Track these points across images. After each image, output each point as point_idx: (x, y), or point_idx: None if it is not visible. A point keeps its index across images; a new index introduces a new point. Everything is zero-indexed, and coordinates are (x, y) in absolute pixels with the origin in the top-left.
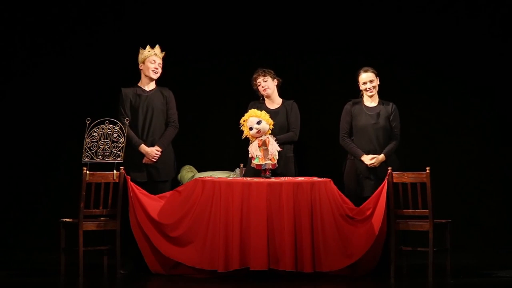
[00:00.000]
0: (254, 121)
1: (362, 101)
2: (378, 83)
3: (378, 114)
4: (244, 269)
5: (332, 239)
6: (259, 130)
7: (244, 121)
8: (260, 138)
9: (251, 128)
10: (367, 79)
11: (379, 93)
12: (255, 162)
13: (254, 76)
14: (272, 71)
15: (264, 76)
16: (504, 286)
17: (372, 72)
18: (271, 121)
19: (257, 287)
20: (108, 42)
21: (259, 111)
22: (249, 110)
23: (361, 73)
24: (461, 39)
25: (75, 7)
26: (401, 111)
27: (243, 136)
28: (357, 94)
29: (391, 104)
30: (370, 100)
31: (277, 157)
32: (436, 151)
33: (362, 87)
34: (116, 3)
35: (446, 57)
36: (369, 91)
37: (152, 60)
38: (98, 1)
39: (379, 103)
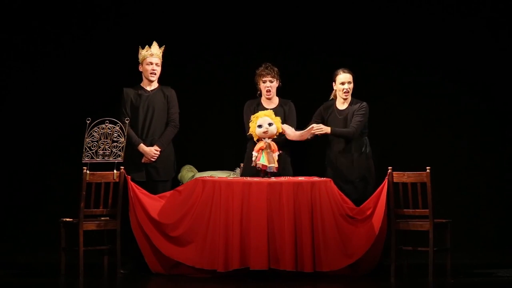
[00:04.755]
0: (267, 121)
1: (334, 104)
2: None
3: (346, 118)
4: (244, 269)
5: (332, 238)
6: (267, 131)
7: (255, 117)
8: (265, 141)
9: (260, 126)
10: (346, 79)
11: (361, 93)
12: (261, 162)
13: (263, 72)
14: (278, 71)
15: (273, 77)
16: (504, 286)
17: (351, 74)
18: (281, 129)
19: (257, 287)
20: (109, 41)
21: (273, 114)
22: (265, 111)
23: (340, 73)
24: (461, 39)
25: (75, 6)
26: (401, 111)
27: (248, 133)
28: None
29: (359, 103)
30: (343, 102)
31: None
32: (436, 151)
33: (339, 87)
34: (117, 2)
35: (446, 58)
36: (346, 93)
37: (148, 62)
38: (98, 0)
39: (349, 104)
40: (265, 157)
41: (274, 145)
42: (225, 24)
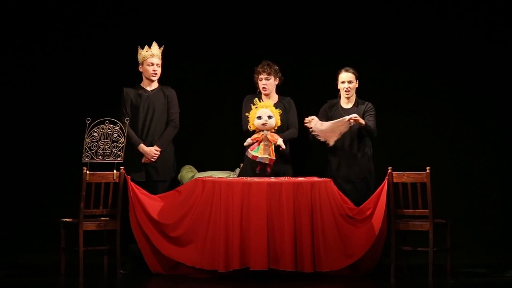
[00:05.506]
0: (267, 113)
1: (338, 102)
2: (357, 85)
3: None
4: (244, 269)
5: (332, 239)
6: (266, 123)
7: (255, 107)
8: (262, 132)
9: (259, 118)
10: (346, 78)
11: (361, 93)
12: (253, 152)
13: (259, 69)
14: (277, 69)
15: (269, 74)
16: (504, 286)
17: (353, 73)
18: (279, 123)
19: (257, 287)
20: (109, 41)
21: (274, 108)
22: (266, 102)
23: (342, 72)
24: (461, 40)
25: (75, 6)
26: (401, 112)
27: (249, 125)
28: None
29: (366, 103)
30: (347, 101)
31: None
32: (436, 151)
33: (340, 86)
34: (116, 2)
35: (446, 58)
36: (346, 92)
37: (149, 62)
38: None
39: (354, 104)
40: (260, 148)
41: (273, 136)
42: (225, 23)
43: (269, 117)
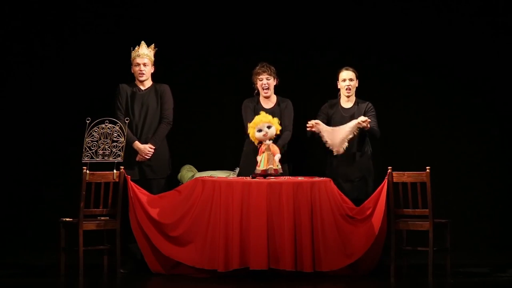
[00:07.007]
0: (265, 124)
1: (339, 101)
2: (357, 85)
3: (352, 116)
4: (244, 268)
5: (332, 238)
6: (267, 134)
7: (253, 123)
8: (265, 143)
9: (259, 130)
10: (347, 76)
11: (361, 93)
12: (260, 167)
13: (259, 70)
14: (274, 70)
15: (270, 74)
16: (504, 286)
17: (353, 71)
18: (279, 127)
19: (257, 287)
20: (108, 40)
21: (270, 116)
22: (261, 113)
23: (342, 70)
24: (461, 39)
25: (73, 5)
26: (401, 111)
27: (247, 130)
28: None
29: (366, 103)
30: (347, 100)
31: (279, 166)
32: (436, 151)
33: (341, 84)
34: (115, 1)
35: (447, 58)
36: (347, 90)
37: (136, 62)
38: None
39: (354, 103)
40: (264, 160)
41: (274, 147)
42: (226, 23)
43: (268, 127)
